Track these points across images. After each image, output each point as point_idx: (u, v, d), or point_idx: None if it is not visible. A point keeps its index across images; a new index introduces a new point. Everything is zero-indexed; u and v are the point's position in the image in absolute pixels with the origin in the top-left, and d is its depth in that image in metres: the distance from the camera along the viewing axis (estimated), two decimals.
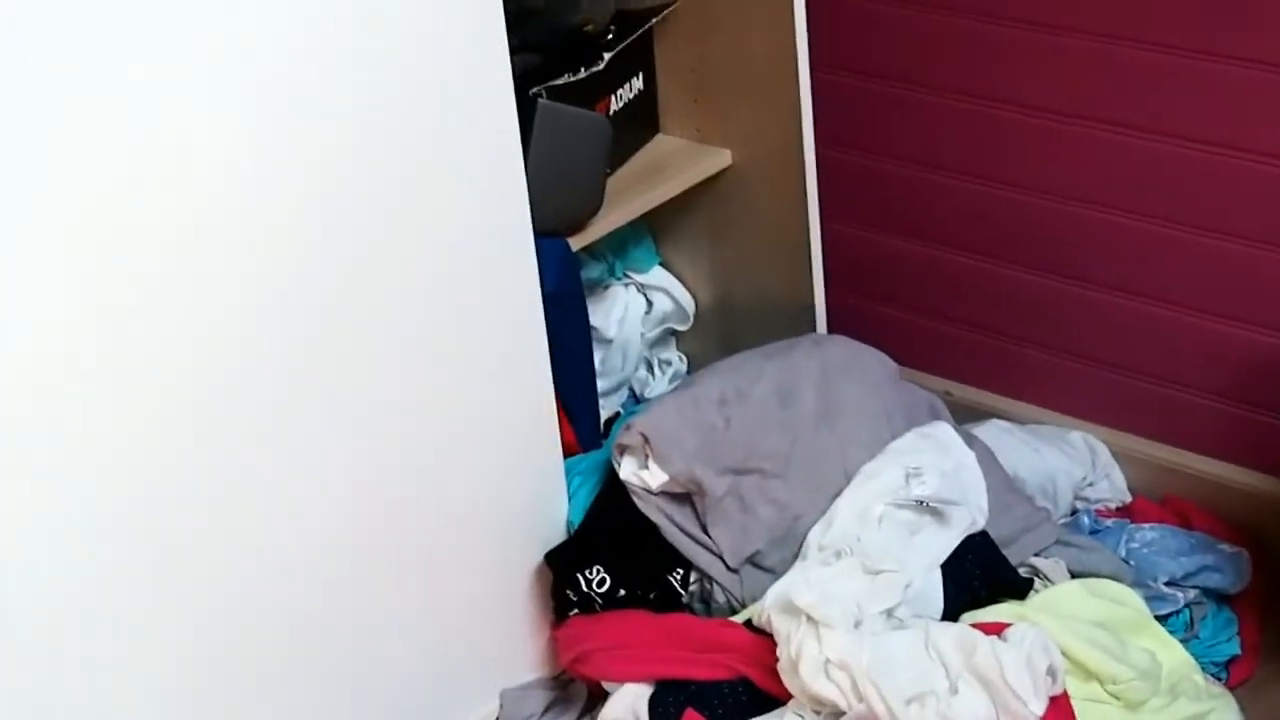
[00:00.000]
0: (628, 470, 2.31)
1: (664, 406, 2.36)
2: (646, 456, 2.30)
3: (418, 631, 2.20)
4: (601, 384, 2.70)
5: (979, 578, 2.23)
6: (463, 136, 2.03)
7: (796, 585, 2.11)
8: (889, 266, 2.79)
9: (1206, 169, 2.39)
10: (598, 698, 2.21)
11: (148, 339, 1.79)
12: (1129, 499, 2.63)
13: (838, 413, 2.36)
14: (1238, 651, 2.37)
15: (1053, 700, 2.01)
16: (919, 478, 2.27)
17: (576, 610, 2.26)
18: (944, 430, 2.40)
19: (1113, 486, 2.63)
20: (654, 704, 2.13)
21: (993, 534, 2.28)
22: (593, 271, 2.72)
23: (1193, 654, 2.22)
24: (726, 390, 2.36)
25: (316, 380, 1.98)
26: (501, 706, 2.31)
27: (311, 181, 1.89)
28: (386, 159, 1.96)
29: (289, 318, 1.93)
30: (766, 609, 2.13)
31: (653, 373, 2.83)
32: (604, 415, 2.70)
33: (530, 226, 2.17)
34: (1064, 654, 2.07)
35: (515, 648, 2.32)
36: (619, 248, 2.75)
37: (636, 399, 2.81)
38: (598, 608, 2.25)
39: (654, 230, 2.79)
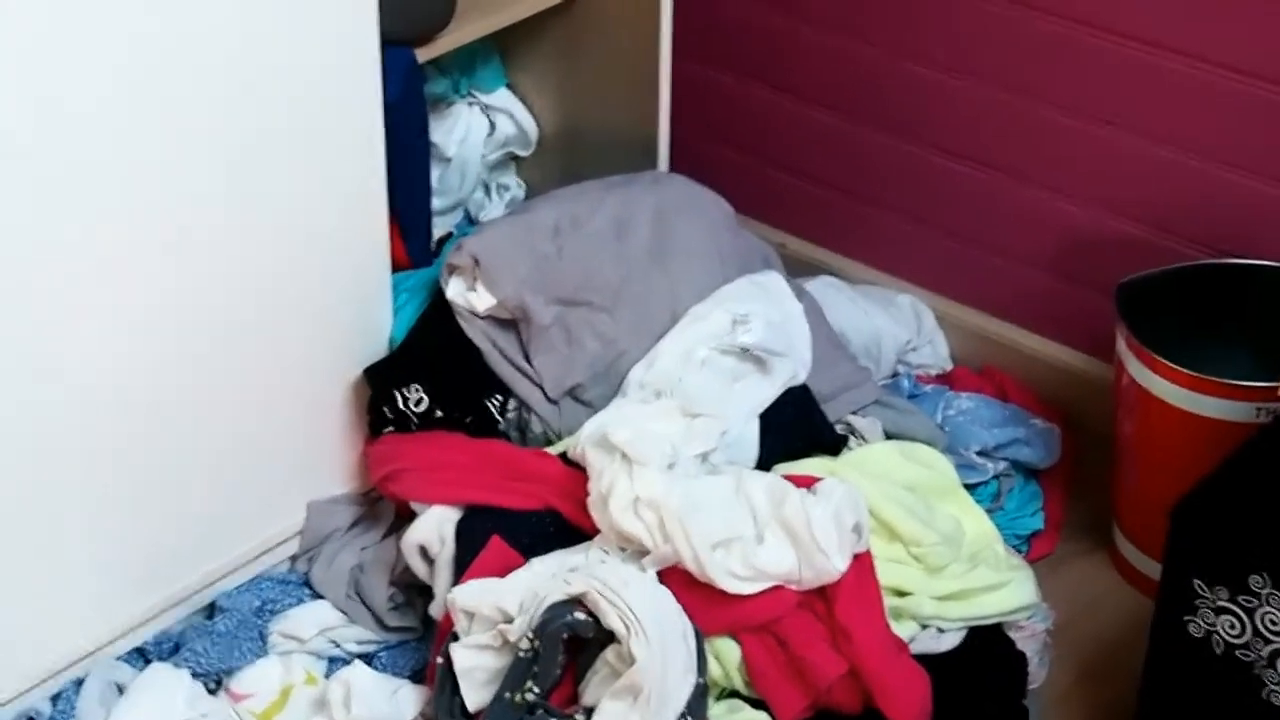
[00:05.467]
0: (455, 291, 2.28)
1: (497, 229, 2.33)
2: (475, 279, 2.27)
3: (230, 437, 2.16)
4: (437, 203, 2.65)
5: (796, 430, 2.24)
6: None
7: (614, 421, 2.10)
8: (736, 111, 2.77)
9: (1052, 40, 2.40)
10: (404, 518, 2.19)
11: None
12: (950, 367, 2.65)
13: (671, 252, 2.34)
14: (1041, 526, 2.41)
15: (856, 557, 2.02)
16: (745, 325, 2.26)
17: (391, 428, 2.23)
18: (775, 280, 2.39)
19: (935, 353, 2.65)
20: (461, 528, 2.12)
21: (813, 388, 2.29)
22: (437, 87, 2.66)
23: (997, 525, 2.25)
24: (562, 219, 2.33)
25: (150, 176, 1.94)
26: (307, 519, 2.28)
27: None
28: None
29: (124, 119, 1.89)
30: (582, 442, 2.12)
31: (490, 196, 2.79)
32: (438, 234, 2.66)
33: (376, 33, 2.12)
34: (871, 513, 2.08)
35: (326, 461, 2.29)
36: (466, 65, 2.69)
37: (471, 221, 2.77)
38: (413, 427, 2.23)
39: (503, 51, 2.74)
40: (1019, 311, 2.62)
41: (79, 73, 1.84)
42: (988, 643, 2.12)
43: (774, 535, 2.02)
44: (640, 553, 2.02)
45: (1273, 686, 1.84)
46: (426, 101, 2.51)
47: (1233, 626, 1.85)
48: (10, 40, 1.77)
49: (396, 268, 2.35)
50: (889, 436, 2.32)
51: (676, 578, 2.01)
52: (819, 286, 2.60)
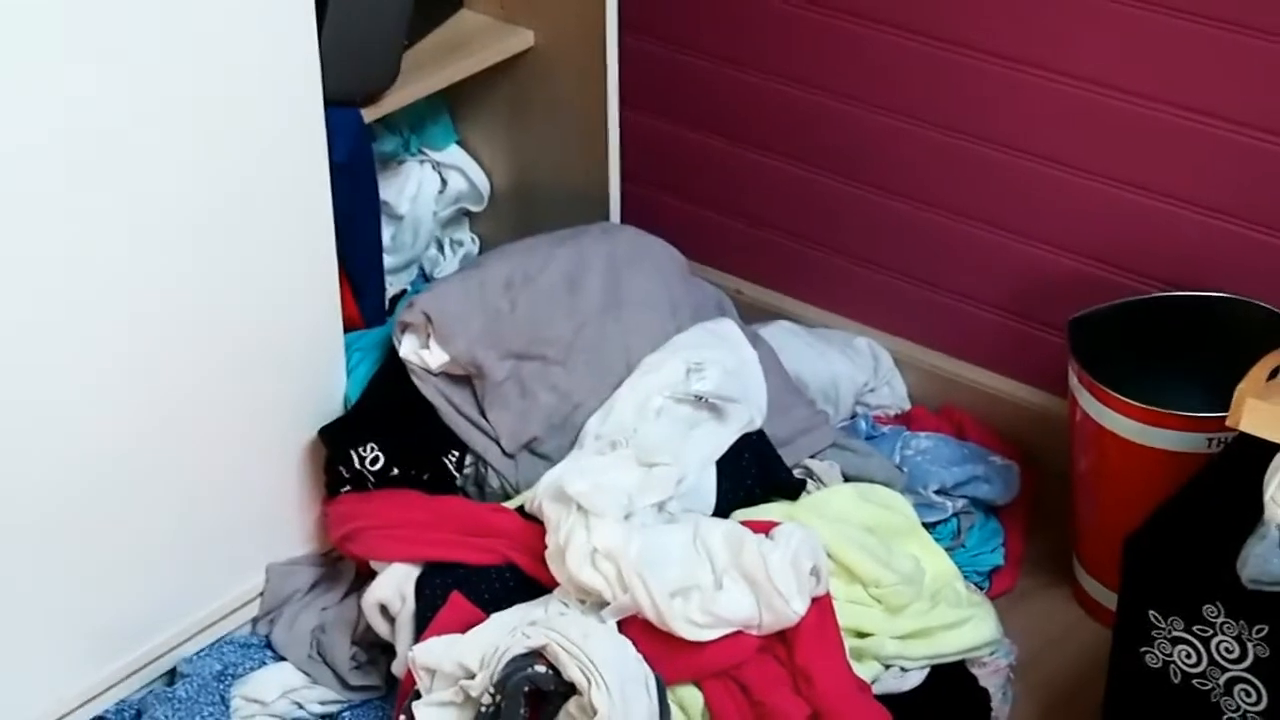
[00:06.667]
0: (408, 349, 2.28)
1: (449, 286, 2.33)
2: (428, 336, 2.27)
3: (186, 500, 2.15)
4: (391, 260, 2.66)
5: (753, 476, 2.24)
6: None
7: (569, 473, 2.10)
8: (686, 160, 2.78)
9: (999, 82, 2.41)
10: (365, 577, 2.19)
11: None
12: (909, 407, 2.65)
13: (624, 303, 2.35)
14: (1001, 562, 2.41)
15: (815, 600, 2.02)
16: (700, 373, 2.26)
17: (348, 487, 2.23)
18: (729, 327, 2.39)
19: (894, 393, 2.65)
20: (421, 585, 2.12)
21: (770, 434, 2.29)
22: (387, 145, 2.67)
23: (957, 562, 2.25)
24: (514, 274, 2.34)
25: (90, 239, 1.94)
26: (267, 581, 2.28)
27: (87, 41, 1.85)
28: (165, 13, 1.91)
29: (71, 187, 1.90)
30: (538, 496, 2.12)
31: (443, 252, 2.79)
32: (391, 292, 2.66)
33: (321, 93, 2.13)
34: (830, 556, 2.08)
35: (284, 522, 2.29)
36: (416, 123, 2.70)
37: (426, 278, 2.77)
38: (370, 486, 2.23)
39: (453, 108, 2.75)
40: (975, 350, 2.63)
41: (29, 147, 1.84)
42: (950, 680, 2.12)
43: (733, 581, 2.02)
44: (600, 604, 2.02)
45: (1230, 714, 1.85)
46: (376, 160, 2.52)
47: (1189, 656, 1.86)
48: None
49: (350, 327, 2.35)
50: (848, 478, 2.32)
51: (637, 627, 2.01)
52: (775, 331, 2.61)
